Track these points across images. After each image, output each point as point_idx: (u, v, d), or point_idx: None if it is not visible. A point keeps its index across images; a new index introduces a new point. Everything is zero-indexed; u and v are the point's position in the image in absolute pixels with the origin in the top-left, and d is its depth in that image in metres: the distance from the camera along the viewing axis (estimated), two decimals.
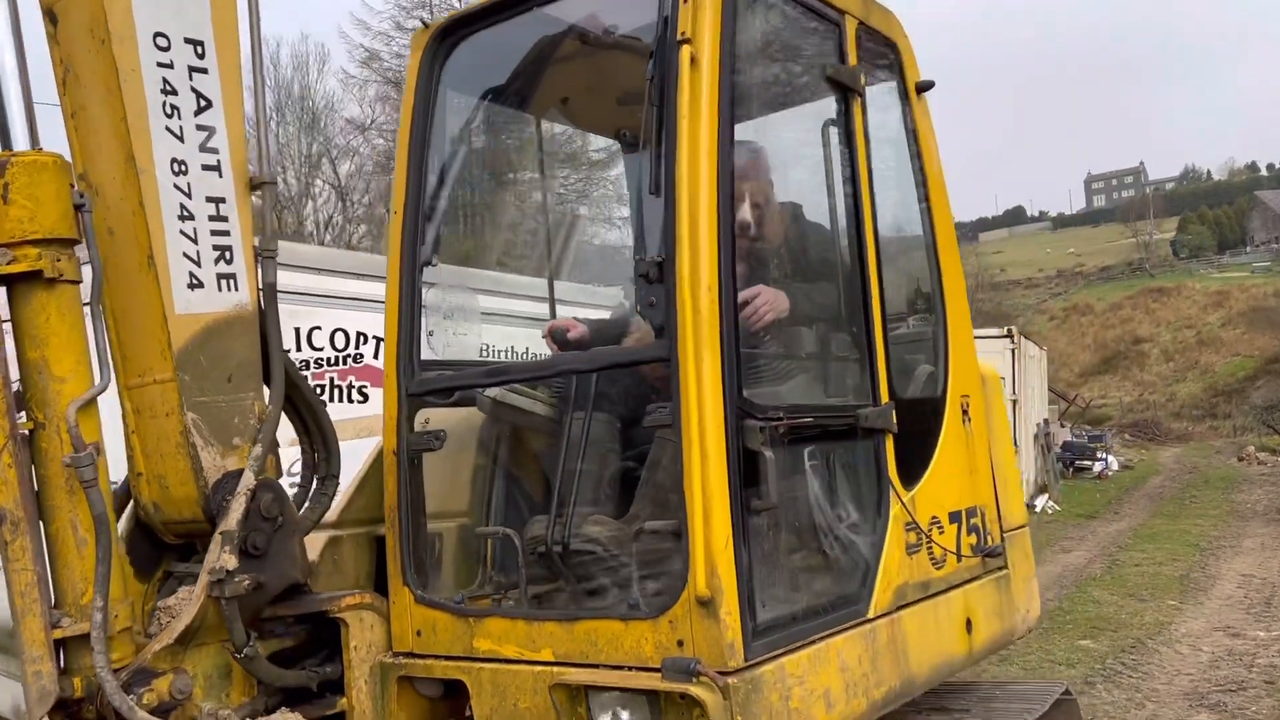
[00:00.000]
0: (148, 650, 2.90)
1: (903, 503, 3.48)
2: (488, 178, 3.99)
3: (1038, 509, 20.13)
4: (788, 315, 3.37)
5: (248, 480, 2.98)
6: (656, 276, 2.84)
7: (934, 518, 3.71)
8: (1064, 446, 27.94)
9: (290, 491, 3.28)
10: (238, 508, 2.93)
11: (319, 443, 3.42)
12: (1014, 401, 19.17)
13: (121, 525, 3.18)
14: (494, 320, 7.13)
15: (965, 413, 4.06)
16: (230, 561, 2.86)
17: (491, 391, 3.43)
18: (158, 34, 3.05)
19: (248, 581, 2.92)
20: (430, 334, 3.62)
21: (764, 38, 3.34)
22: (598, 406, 3.21)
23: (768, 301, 3.29)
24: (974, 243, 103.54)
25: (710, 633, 2.69)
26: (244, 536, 2.96)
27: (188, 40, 3.12)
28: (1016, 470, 4.57)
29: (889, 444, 3.47)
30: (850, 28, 3.58)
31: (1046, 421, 24.82)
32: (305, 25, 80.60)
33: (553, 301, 4.34)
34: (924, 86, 4.01)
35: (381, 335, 3.67)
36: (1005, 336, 20.05)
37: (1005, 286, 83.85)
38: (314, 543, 3.84)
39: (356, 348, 9.17)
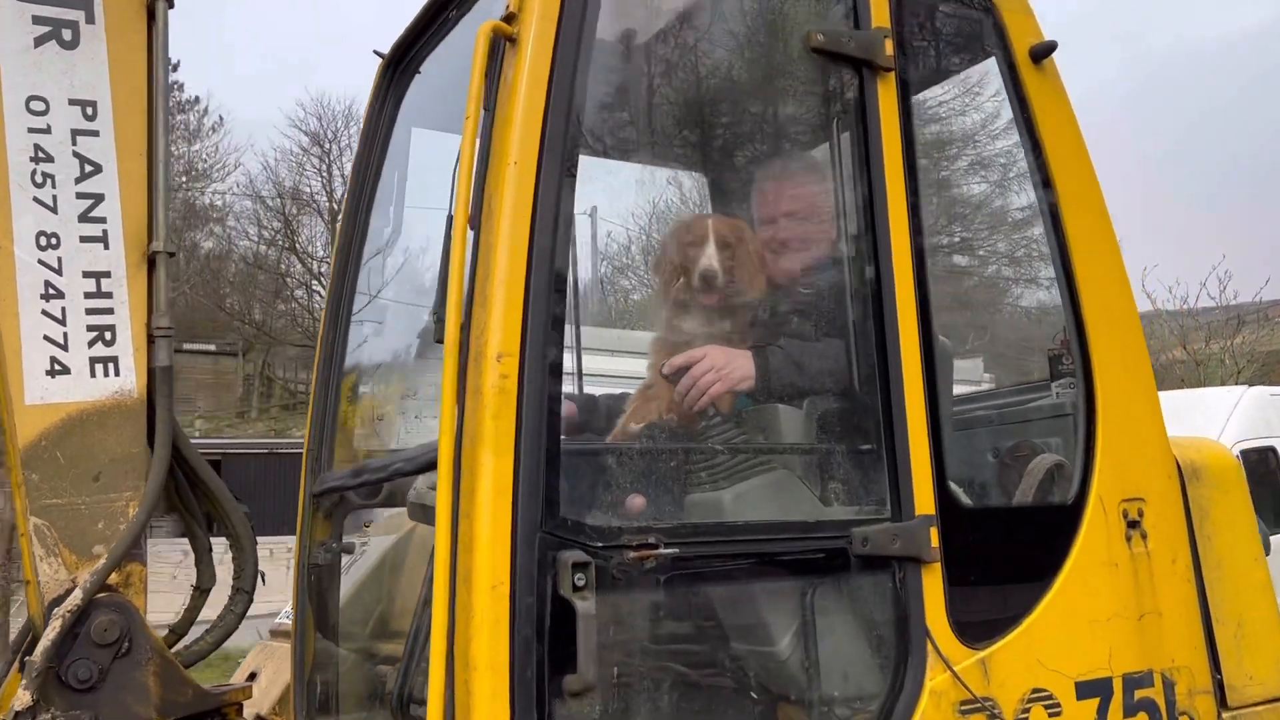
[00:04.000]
0: None
1: (950, 670, 2.28)
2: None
3: None
4: (752, 386, 2.36)
5: (73, 599, 2.54)
6: None
7: (1038, 691, 2.43)
8: None
9: None
10: (52, 632, 2.50)
11: (237, 551, 2.93)
12: None
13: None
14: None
15: (1134, 524, 2.70)
16: (24, 699, 2.42)
17: (412, 490, 2.74)
18: (33, 98, 2.78)
19: None
20: (379, 419, 3.02)
21: (684, 11, 2.41)
22: None
23: (714, 367, 2.32)
24: None
25: None
26: (65, 666, 2.51)
27: (74, 101, 2.83)
28: (1272, 608, 3.01)
29: (928, 578, 2.30)
30: None
31: None
32: None
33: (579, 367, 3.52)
34: (1041, 51, 2.78)
35: None
36: None
37: None
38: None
39: None
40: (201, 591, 3.03)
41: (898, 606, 2.29)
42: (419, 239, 3.02)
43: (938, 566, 2.33)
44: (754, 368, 2.34)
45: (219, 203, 42.84)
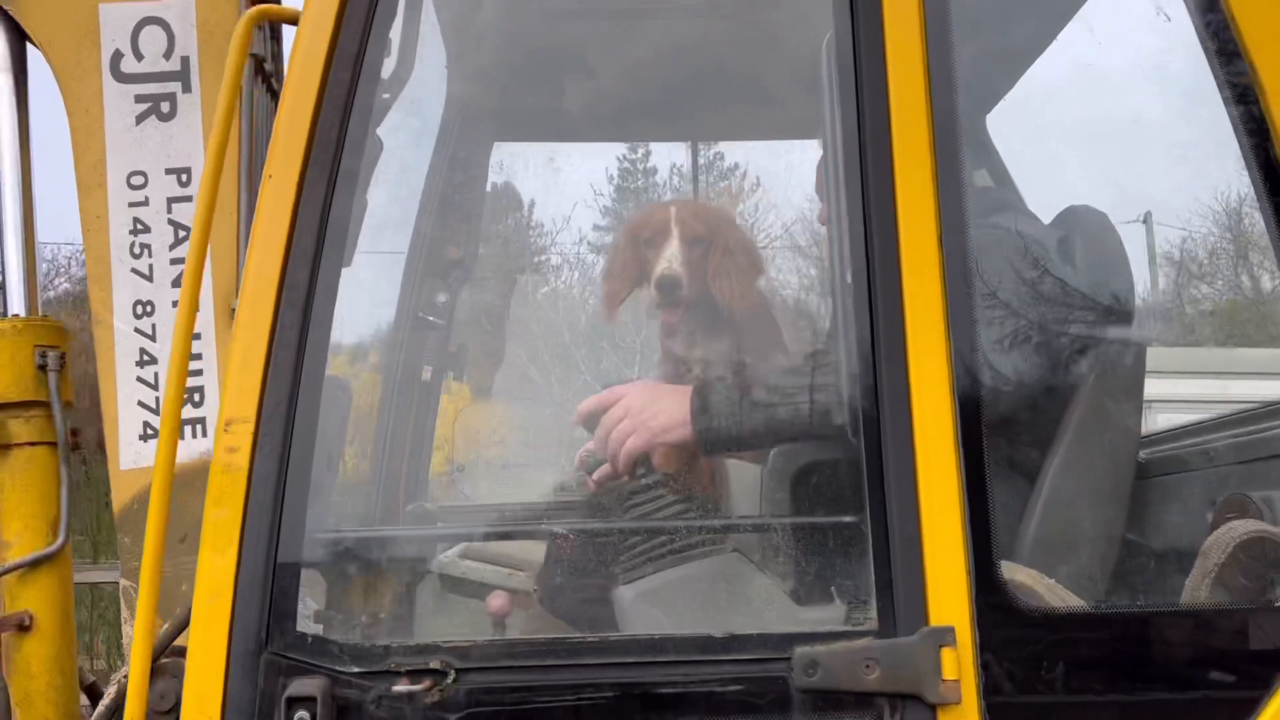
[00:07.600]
0: None
1: None
2: None
3: None
4: (683, 438, 1.69)
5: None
6: None
7: None
8: None
9: None
10: (107, 698, 2.51)
11: None
12: None
13: None
14: None
15: None
16: None
17: (443, 557, 2.40)
18: (133, 173, 2.89)
19: None
20: (459, 469, 2.72)
21: None
22: None
23: (630, 412, 1.69)
24: None
25: None
26: None
27: (170, 170, 2.90)
28: None
29: None
30: None
31: None
32: None
33: None
34: None
35: None
36: None
37: None
38: None
39: None
40: None
41: None
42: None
43: (970, 710, 1.47)
44: (686, 411, 1.66)
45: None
